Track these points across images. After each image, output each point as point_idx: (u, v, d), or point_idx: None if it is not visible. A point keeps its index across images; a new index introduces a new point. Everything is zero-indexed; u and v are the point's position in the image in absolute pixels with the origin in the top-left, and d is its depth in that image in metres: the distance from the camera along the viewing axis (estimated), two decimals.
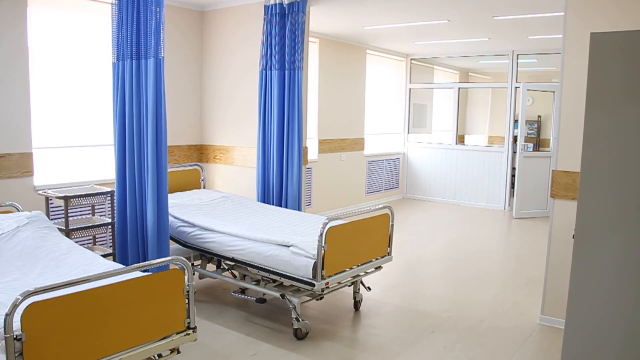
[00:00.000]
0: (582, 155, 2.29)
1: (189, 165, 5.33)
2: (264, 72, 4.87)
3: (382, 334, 3.56)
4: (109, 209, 4.36)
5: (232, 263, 3.80)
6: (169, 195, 4.20)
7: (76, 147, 4.73)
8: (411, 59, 9.14)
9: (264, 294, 3.68)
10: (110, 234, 4.40)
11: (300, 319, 3.40)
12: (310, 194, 7.04)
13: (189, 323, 2.41)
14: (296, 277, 3.29)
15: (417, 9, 5.42)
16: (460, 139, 9.13)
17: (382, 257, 3.76)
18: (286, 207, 4.79)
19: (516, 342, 3.45)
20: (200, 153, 5.83)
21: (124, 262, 3.86)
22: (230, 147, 5.58)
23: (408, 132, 9.26)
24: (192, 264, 4.03)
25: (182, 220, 4.04)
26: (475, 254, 5.70)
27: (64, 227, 3.84)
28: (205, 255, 4.01)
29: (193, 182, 5.14)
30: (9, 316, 1.82)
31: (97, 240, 4.51)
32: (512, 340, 3.47)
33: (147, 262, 2.32)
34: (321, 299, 3.90)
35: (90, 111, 4.78)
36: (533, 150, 7.89)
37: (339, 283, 3.51)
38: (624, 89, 2.19)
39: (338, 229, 3.32)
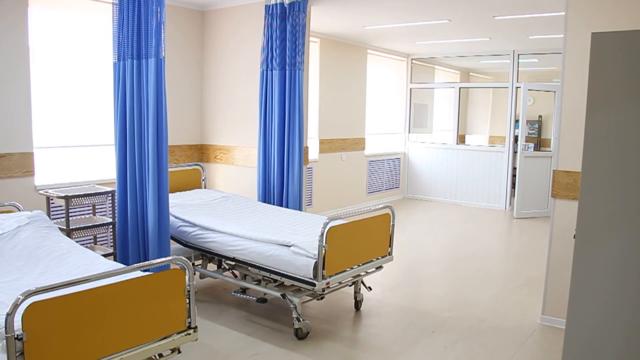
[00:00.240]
0: (583, 155, 2.29)
1: (190, 165, 5.33)
2: (264, 71, 4.87)
3: (382, 333, 3.56)
4: (110, 208, 4.36)
5: (233, 263, 3.80)
6: (170, 195, 4.20)
7: (77, 146, 4.74)
8: (412, 59, 9.14)
9: (265, 294, 3.68)
10: (111, 233, 4.41)
11: (301, 319, 3.40)
12: (311, 194, 7.04)
13: (189, 323, 2.41)
14: (297, 277, 3.29)
15: (418, 9, 5.42)
16: (461, 139, 9.13)
17: (382, 257, 3.76)
18: (287, 207, 4.79)
19: (517, 342, 3.44)
20: (201, 153, 5.83)
21: (125, 261, 3.86)
22: (231, 147, 5.59)
23: (409, 132, 9.25)
24: (193, 264, 4.03)
25: (183, 220, 4.04)
26: (476, 253, 5.70)
27: (64, 227, 3.85)
28: (206, 255, 4.01)
29: (194, 182, 5.14)
30: (10, 316, 1.83)
31: (98, 240, 4.51)
32: (513, 340, 3.47)
33: (147, 262, 2.32)
34: (322, 298, 3.90)
35: (91, 111, 4.79)
36: (534, 150, 7.89)
37: (340, 283, 3.51)
38: (625, 88, 2.19)
39: (339, 229, 3.32)
